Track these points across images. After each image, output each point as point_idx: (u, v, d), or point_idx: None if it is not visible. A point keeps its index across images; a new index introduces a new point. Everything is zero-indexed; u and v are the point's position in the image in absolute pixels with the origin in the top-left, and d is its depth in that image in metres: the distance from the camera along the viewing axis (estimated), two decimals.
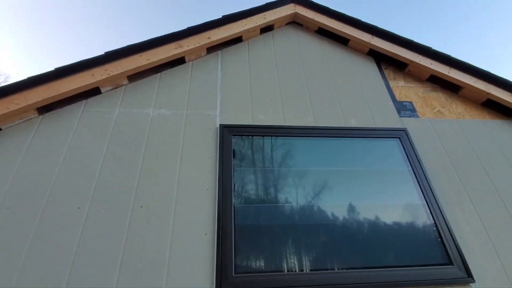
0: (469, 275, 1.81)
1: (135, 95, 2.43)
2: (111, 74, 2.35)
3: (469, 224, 2.06)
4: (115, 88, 2.44)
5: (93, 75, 2.31)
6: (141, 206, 1.87)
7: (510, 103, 2.73)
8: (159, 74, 2.59)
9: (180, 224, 1.83)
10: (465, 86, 2.77)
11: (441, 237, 1.94)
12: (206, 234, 1.81)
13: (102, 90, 2.39)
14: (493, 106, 2.81)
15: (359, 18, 3.01)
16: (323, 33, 3.16)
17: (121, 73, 2.38)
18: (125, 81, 2.47)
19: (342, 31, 3.01)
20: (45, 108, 2.24)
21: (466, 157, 2.42)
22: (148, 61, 2.48)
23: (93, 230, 1.75)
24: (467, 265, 1.85)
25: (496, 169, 2.39)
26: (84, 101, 2.33)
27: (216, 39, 2.75)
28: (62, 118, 2.21)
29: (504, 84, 2.75)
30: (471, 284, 1.81)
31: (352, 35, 2.97)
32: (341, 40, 3.11)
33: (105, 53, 2.38)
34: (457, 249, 1.90)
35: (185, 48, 2.62)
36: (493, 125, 2.69)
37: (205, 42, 2.70)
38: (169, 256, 1.71)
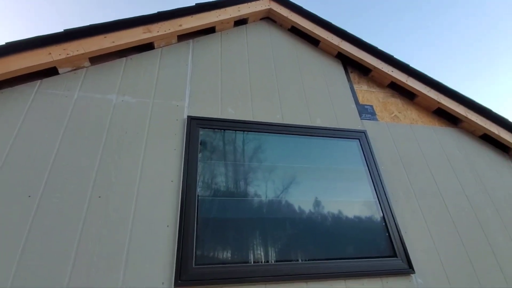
0: (410, 267, 2.01)
1: (97, 79, 2.29)
2: (71, 54, 2.19)
3: (414, 220, 2.28)
4: (75, 69, 2.28)
5: (50, 53, 2.13)
6: (100, 197, 1.79)
7: (457, 112, 3.02)
8: (124, 58, 2.46)
9: (141, 215, 1.79)
10: (419, 95, 3.01)
11: (388, 232, 2.12)
12: (168, 226, 1.79)
13: (60, 70, 2.22)
14: (442, 114, 3.10)
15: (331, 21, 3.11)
16: (296, 32, 3.22)
17: (82, 54, 2.23)
18: (87, 63, 2.32)
19: (313, 32, 3.09)
20: None
21: (415, 159, 2.65)
22: (113, 44, 2.34)
23: (45, 220, 1.65)
24: (409, 257, 2.05)
25: (440, 171, 2.65)
26: (38, 82, 2.15)
27: (188, 27, 2.67)
28: (12, 99, 2.02)
29: (453, 95, 3.03)
30: (411, 274, 2.01)
31: (323, 37, 3.07)
32: (312, 41, 3.19)
33: (65, 30, 2.21)
34: (402, 243, 2.10)
35: (155, 34, 2.52)
36: (441, 132, 2.97)
37: (176, 29, 2.62)
38: (127, 248, 1.67)
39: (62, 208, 1.70)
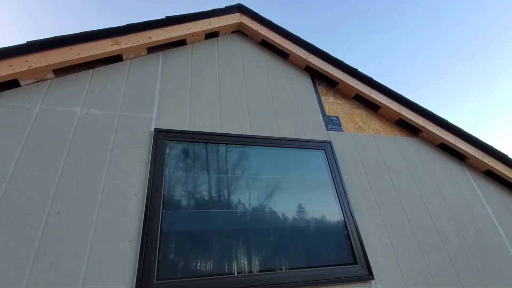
0: (370, 273, 2.10)
1: (61, 91, 2.26)
2: (33, 66, 2.15)
3: (375, 227, 2.39)
4: (38, 81, 2.25)
5: (11, 65, 2.09)
6: (58, 212, 1.76)
7: (416, 123, 3.21)
8: (91, 70, 2.45)
9: (102, 230, 1.78)
10: (382, 106, 3.18)
11: (350, 240, 2.21)
12: (130, 241, 1.79)
13: (22, 83, 2.18)
14: (403, 125, 3.28)
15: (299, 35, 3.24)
16: (267, 45, 3.32)
17: (46, 66, 2.20)
18: (51, 75, 2.28)
19: (283, 46, 3.20)
20: None
21: (378, 168, 2.79)
22: (79, 56, 2.33)
23: None
24: (369, 264, 2.14)
25: (400, 179, 2.80)
26: None
27: (158, 39, 2.70)
28: None
29: (413, 106, 3.22)
30: (371, 281, 2.10)
31: (292, 50, 3.19)
32: (282, 54, 3.30)
33: (27, 42, 2.17)
34: (362, 250, 2.19)
35: (123, 46, 2.52)
36: (402, 141, 3.14)
37: (146, 42, 2.64)
38: (86, 265, 1.65)
39: (16, 224, 1.66)
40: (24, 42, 2.17)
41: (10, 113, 2.04)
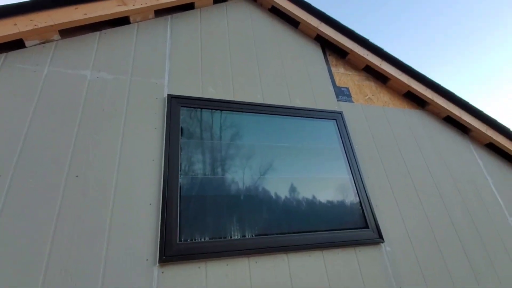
0: (380, 236, 2.19)
1: (69, 53, 2.16)
2: (38, 25, 2.04)
3: (384, 195, 2.46)
4: (44, 43, 2.14)
5: (15, 24, 1.97)
6: (77, 176, 1.75)
7: (424, 95, 3.22)
8: (98, 32, 2.33)
9: (122, 194, 1.78)
10: (392, 78, 3.16)
11: (361, 206, 2.28)
12: (150, 204, 1.80)
13: (27, 43, 2.07)
14: (412, 98, 3.29)
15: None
16: (276, 12, 3.20)
17: (51, 25, 2.08)
18: (56, 36, 2.17)
19: (293, 13, 3.09)
20: None
21: (387, 139, 2.82)
22: (85, 16, 2.21)
23: (19, 200, 1.58)
24: (380, 228, 2.22)
25: (408, 150, 2.85)
26: (3, 55, 1.99)
27: (166, 1, 2.58)
28: None
29: (422, 79, 3.22)
30: (381, 243, 2.19)
31: (302, 18, 3.09)
32: (292, 22, 3.20)
33: (32, 0, 2.04)
34: (373, 215, 2.27)
35: (130, 7, 2.40)
36: (410, 114, 3.17)
37: (154, 3, 2.51)
38: (109, 227, 1.66)
39: (36, 187, 1.64)
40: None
41: (18, 75, 1.95)
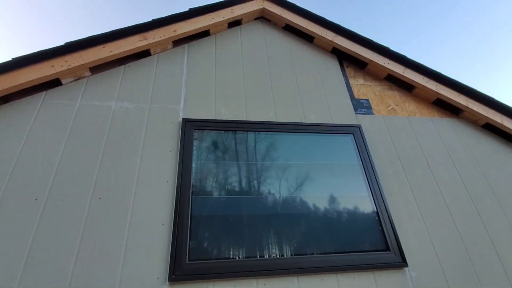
0: (403, 260, 2.02)
1: (97, 87, 2.43)
2: (72, 65, 2.33)
3: (409, 214, 2.27)
4: (77, 79, 2.43)
5: (53, 66, 2.29)
6: (100, 198, 1.93)
7: (457, 102, 2.96)
8: (123, 66, 2.59)
9: (138, 215, 1.91)
10: (417, 86, 2.97)
11: (381, 226, 2.14)
12: (163, 224, 1.90)
13: (63, 81, 2.37)
14: (442, 105, 3.04)
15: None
16: (290, 29, 3.24)
17: (83, 64, 2.37)
18: (87, 73, 2.46)
19: (307, 29, 3.10)
20: (2, 99, 2.20)
21: (412, 152, 2.63)
22: (111, 53, 2.47)
23: (51, 221, 1.80)
24: (403, 251, 2.06)
25: (438, 163, 2.62)
26: (44, 93, 2.31)
27: (183, 32, 2.77)
28: (20, 110, 2.19)
29: (453, 84, 2.97)
30: (405, 268, 2.02)
31: (317, 33, 3.08)
32: (307, 38, 3.21)
33: (66, 43, 2.36)
34: (395, 236, 2.11)
35: (150, 41, 2.63)
36: (441, 123, 2.92)
37: (171, 35, 2.72)
38: (125, 246, 1.79)
39: (65, 209, 1.85)
40: (63, 43, 2.35)
41: (55, 110, 2.24)
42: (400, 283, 1.95)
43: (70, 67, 2.33)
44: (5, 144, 2.03)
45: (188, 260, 1.79)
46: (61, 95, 2.33)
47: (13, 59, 2.20)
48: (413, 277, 2.00)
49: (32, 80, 2.21)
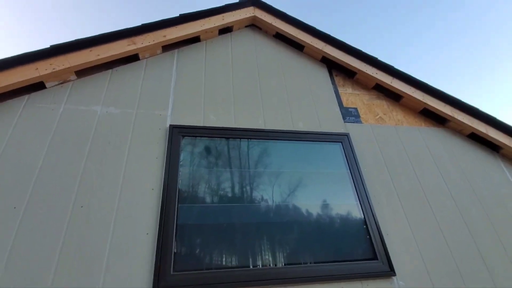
0: (391, 269, 2.02)
1: (83, 91, 2.37)
2: (57, 68, 2.28)
3: (396, 222, 2.28)
4: (62, 83, 2.37)
5: (37, 68, 2.22)
6: (82, 206, 1.86)
7: (443, 112, 3.01)
8: (110, 70, 2.54)
9: (121, 224, 1.85)
10: (405, 96, 3.02)
11: (369, 235, 2.13)
12: (147, 233, 1.85)
13: (47, 85, 2.31)
14: (429, 115, 3.10)
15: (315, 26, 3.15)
16: (281, 38, 3.27)
17: (68, 68, 2.31)
18: (73, 77, 2.40)
19: (298, 37, 3.13)
20: None
21: (400, 160, 2.65)
22: (98, 57, 2.43)
23: (29, 230, 1.72)
24: (390, 259, 2.05)
25: (425, 172, 2.65)
26: (26, 96, 2.24)
27: (172, 37, 2.75)
28: (1, 113, 2.11)
29: (439, 95, 3.03)
30: (392, 277, 2.02)
31: (307, 42, 3.11)
32: (297, 46, 3.23)
33: (51, 46, 2.30)
34: (383, 245, 2.11)
35: (139, 45, 2.60)
36: (427, 132, 2.97)
37: (161, 40, 2.70)
38: (108, 256, 1.73)
39: (45, 218, 1.77)
40: (48, 46, 2.30)
41: (37, 113, 2.17)
42: None
43: (54, 70, 2.27)
44: None
45: (173, 271, 1.74)
46: (44, 98, 2.26)
47: None
48: (401, 286, 2.00)
49: (15, 83, 2.15)
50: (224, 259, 1.87)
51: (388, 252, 2.08)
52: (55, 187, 1.90)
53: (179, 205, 1.99)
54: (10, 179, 1.87)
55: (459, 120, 2.96)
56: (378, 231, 2.16)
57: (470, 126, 2.96)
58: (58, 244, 1.71)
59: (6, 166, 1.91)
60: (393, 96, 3.11)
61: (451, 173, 2.71)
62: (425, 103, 3.00)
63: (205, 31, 2.93)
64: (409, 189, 2.49)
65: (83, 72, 2.44)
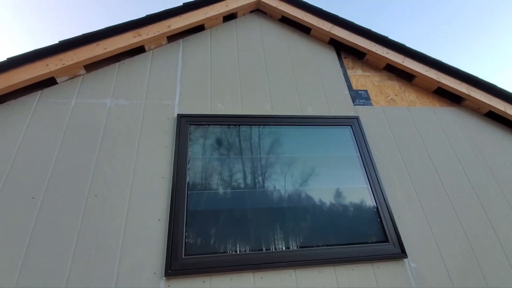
0: (402, 251, 2.00)
1: (92, 85, 2.43)
2: (67, 64, 2.33)
3: (408, 205, 2.24)
4: (72, 78, 2.44)
5: (47, 65, 2.29)
6: (96, 195, 1.93)
7: (459, 91, 2.89)
8: (117, 63, 2.58)
9: (134, 211, 1.92)
10: (417, 75, 2.90)
11: (380, 218, 2.11)
12: (159, 220, 1.91)
13: (58, 80, 2.38)
14: (443, 94, 2.97)
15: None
16: (287, 21, 3.19)
17: (77, 62, 2.37)
18: (82, 71, 2.46)
19: (304, 20, 3.05)
20: None
21: (412, 142, 2.58)
22: (105, 50, 2.46)
23: (48, 218, 1.81)
24: (402, 242, 2.03)
25: (439, 153, 2.56)
26: (39, 92, 2.32)
27: (177, 27, 2.74)
28: (16, 110, 2.20)
29: (454, 73, 2.90)
30: (404, 259, 2.00)
31: (314, 24, 3.03)
32: (303, 29, 3.15)
33: (60, 42, 2.35)
34: (394, 227, 2.08)
35: (144, 37, 2.61)
36: (442, 112, 2.86)
37: (165, 31, 2.70)
38: (122, 242, 1.80)
39: (62, 207, 1.86)
40: (56, 42, 2.35)
41: (50, 109, 2.25)
42: (400, 274, 1.93)
43: (64, 65, 2.33)
44: (1, 144, 2.04)
45: (185, 255, 1.79)
46: (56, 94, 2.33)
47: (7, 59, 2.21)
48: (413, 268, 1.98)
49: (27, 79, 2.22)
50: (234, 244, 1.90)
51: (399, 235, 2.06)
52: (70, 178, 1.98)
53: (188, 192, 2.03)
54: (28, 172, 1.96)
55: (475, 99, 2.83)
56: (390, 214, 2.14)
57: (488, 104, 2.83)
58: (75, 231, 1.80)
59: (24, 159, 2.00)
60: (405, 76, 3.00)
61: (467, 154, 2.61)
62: (439, 82, 2.88)
63: (209, 18, 2.90)
64: (422, 171, 2.43)
65: (91, 66, 2.49)
